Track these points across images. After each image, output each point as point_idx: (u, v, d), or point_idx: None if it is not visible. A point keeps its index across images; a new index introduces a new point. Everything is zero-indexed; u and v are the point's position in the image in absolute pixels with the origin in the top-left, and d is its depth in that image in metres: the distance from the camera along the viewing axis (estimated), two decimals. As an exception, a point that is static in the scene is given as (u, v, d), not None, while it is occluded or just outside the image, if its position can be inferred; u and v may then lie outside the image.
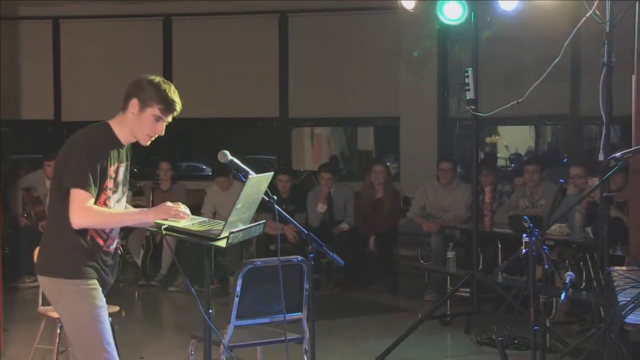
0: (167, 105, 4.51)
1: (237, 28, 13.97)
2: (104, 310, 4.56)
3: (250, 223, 4.74)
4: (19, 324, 8.65)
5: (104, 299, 4.59)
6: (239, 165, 4.66)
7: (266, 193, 4.74)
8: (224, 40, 14.02)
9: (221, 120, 12.93)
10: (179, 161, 14.74)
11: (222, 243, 4.47)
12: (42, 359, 7.32)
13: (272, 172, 4.97)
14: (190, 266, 10.32)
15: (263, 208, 5.01)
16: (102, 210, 4.42)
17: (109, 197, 4.51)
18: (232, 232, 4.47)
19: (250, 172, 4.58)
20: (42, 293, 6.70)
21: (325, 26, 13.54)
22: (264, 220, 5.00)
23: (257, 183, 4.61)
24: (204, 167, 15.92)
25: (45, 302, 6.62)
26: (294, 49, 13.87)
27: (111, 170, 4.49)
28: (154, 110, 4.50)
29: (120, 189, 4.61)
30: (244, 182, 4.51)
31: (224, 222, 4.49)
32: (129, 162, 4.69)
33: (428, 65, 12.73)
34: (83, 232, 4.46)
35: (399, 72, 13.03)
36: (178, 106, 4.55)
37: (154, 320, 9.92)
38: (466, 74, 7.94)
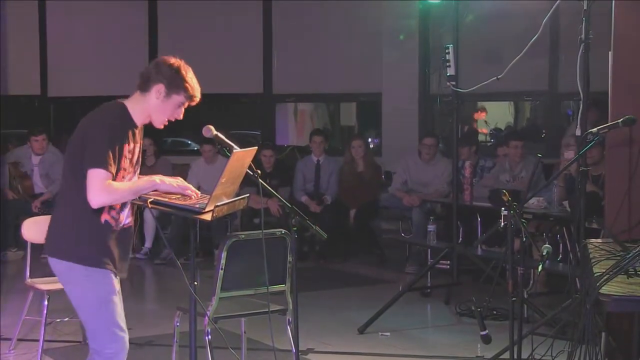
0: (194, 93, 4.51)
1: (221, 4, 13.97)
2: (115, 294, 4.51)
3: (235, 197, 4.74)
4: (7, 296, 8.66)
5: (117, 284, 4.54)
6: (223, 140, 4.66)
7: (250, 167, 4.73)
8: (208, 16, 14.02)
9: (206, 96, 12.90)
10: (165, 136, 14.77)
11: (207, 216, 4.45)
12: (31, 330, 7.34)
13: (256, 147, 4.95)
14: (176, 239, 10.47)
15: (247, 182, 5.07)
16: (119, 185, 4.33)
17: (126, 178, 4.44)
18: (217, 206, 4.45)
19: (235, 146, 4.57)
20: (30, 265, 6.84)
21: (308, 3, 13.56)
22: (248, 195, 5.00)
23: (241, 157, 4.60)
24: (189, 142, 15.94)
25: (33, 274, 6.73)
26: (277, 26, 13.87)
27: (127, 150, 4.40)
28: (180, 98, 4.47)
29: (134, 169, 4.54)
30: (228, 157, 4.50)
31: (208, 196, 4.46)
32: (141, 143, 4.60)
33: (410, 42, 12.77)
34: (98, 213, 4.38)
35: (381, 49, 13.07)
36: (199, 93, 4.55)
37: (140, 292, 9.98)
38: (447, 51, 7.93)
